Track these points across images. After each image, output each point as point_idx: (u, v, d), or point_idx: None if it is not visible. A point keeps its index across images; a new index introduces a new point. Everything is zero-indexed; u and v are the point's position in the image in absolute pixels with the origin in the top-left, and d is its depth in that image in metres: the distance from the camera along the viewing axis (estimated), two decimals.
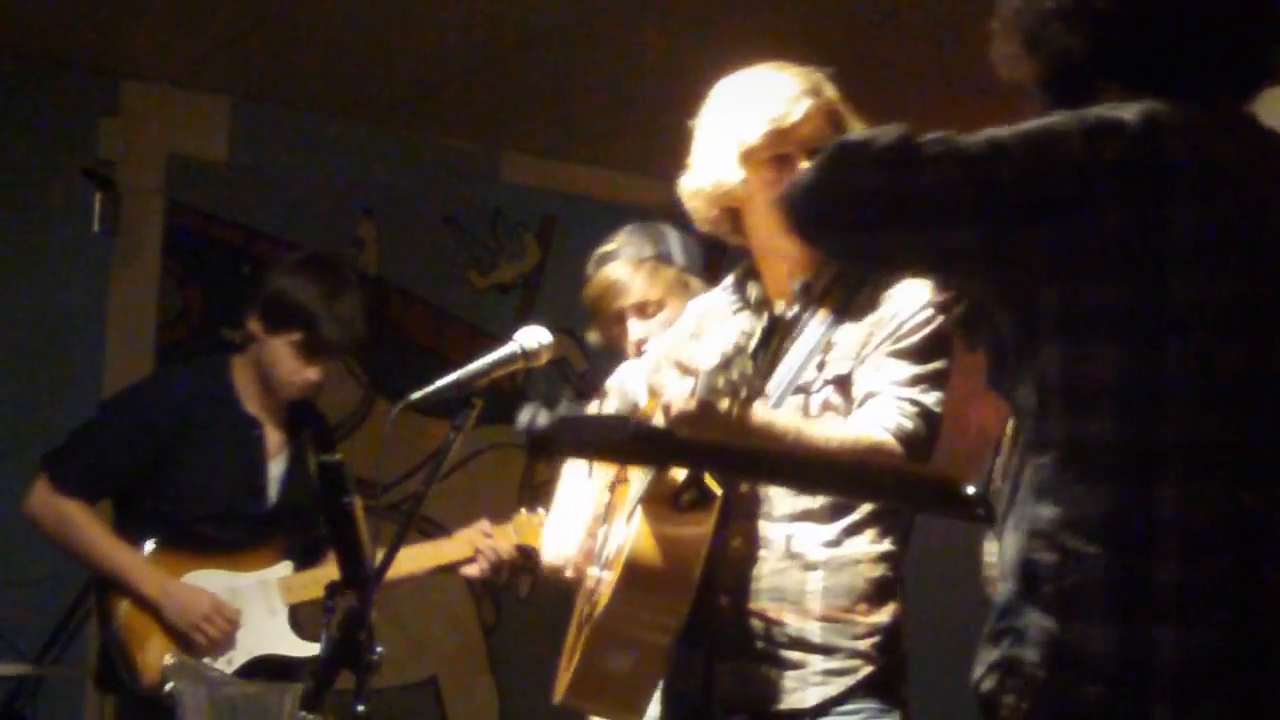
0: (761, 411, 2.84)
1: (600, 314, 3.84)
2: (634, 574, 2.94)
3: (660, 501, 2.95)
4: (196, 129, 6.17)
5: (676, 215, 3.24)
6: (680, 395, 2.71)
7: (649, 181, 6.82)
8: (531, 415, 2.48)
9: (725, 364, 2.66)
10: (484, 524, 4.31)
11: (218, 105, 6.21)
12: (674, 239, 3.85)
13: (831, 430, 2.91)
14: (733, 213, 3.09)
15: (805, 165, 2.90)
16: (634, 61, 5.69)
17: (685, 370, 2.74)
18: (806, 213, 2.06)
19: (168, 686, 3.00)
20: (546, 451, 2.60)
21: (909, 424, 2.91)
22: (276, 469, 4.37)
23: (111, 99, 6.00)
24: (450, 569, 4.34)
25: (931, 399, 2.95)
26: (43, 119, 5.86)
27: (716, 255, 3.57)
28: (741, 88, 3.08)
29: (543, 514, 4.29)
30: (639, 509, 2.99)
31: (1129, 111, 1.95)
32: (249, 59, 5.85)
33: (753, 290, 3.15)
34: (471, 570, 4.32)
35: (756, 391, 2.73)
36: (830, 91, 3.09)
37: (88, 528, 4.26)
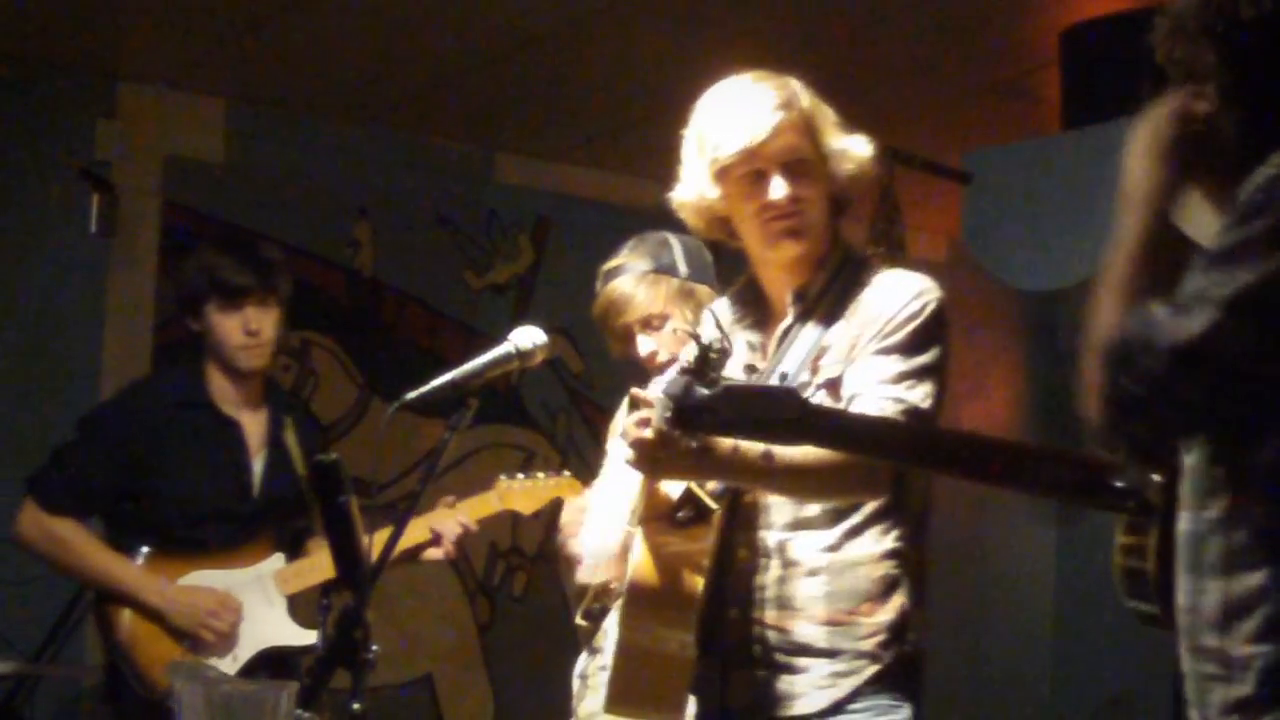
0: (726, 441, 2.82)
1: (609, 330, 3.83)
2: (638, 595, 2.99)
3: (658, 520, 2.97)
4: (193, 131, 6.19)
5: (669, 216, 3.25)
6: (638, 428, 2.76)
7: (643, 183, 6.84)
8: (685, 385, 2.46)
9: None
10: (448, 498, 4.31)
11: (214, 107, 6.22)
12: (678, 249, 3.84)
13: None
14: (725, 221, 3.12)
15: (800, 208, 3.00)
16: (628, 63, 5.71)
17: (641, 403, 2.78)
18: (1143, 445, 2.06)
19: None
20: (699, 425, 2.57)
21: None
22: (259, 465, 4.40)
23: (108, 101, 6.02)
24: (412, 554, 4.32)
25: (918, 394, 2.94)
26: (40, 121, 5.86)
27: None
28: (716, 104, 3.09)
29: (521, 478, 4.31)
30: (638, 529, 3.01)
31: None
32: (245, 61, 5.87)
33: (757, 297, 3.18)
34: (435, 554, 4.32)
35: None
36: (804, 101, 3.08)
37: (81, 545, 4.28)
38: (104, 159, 5.95)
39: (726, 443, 2.79)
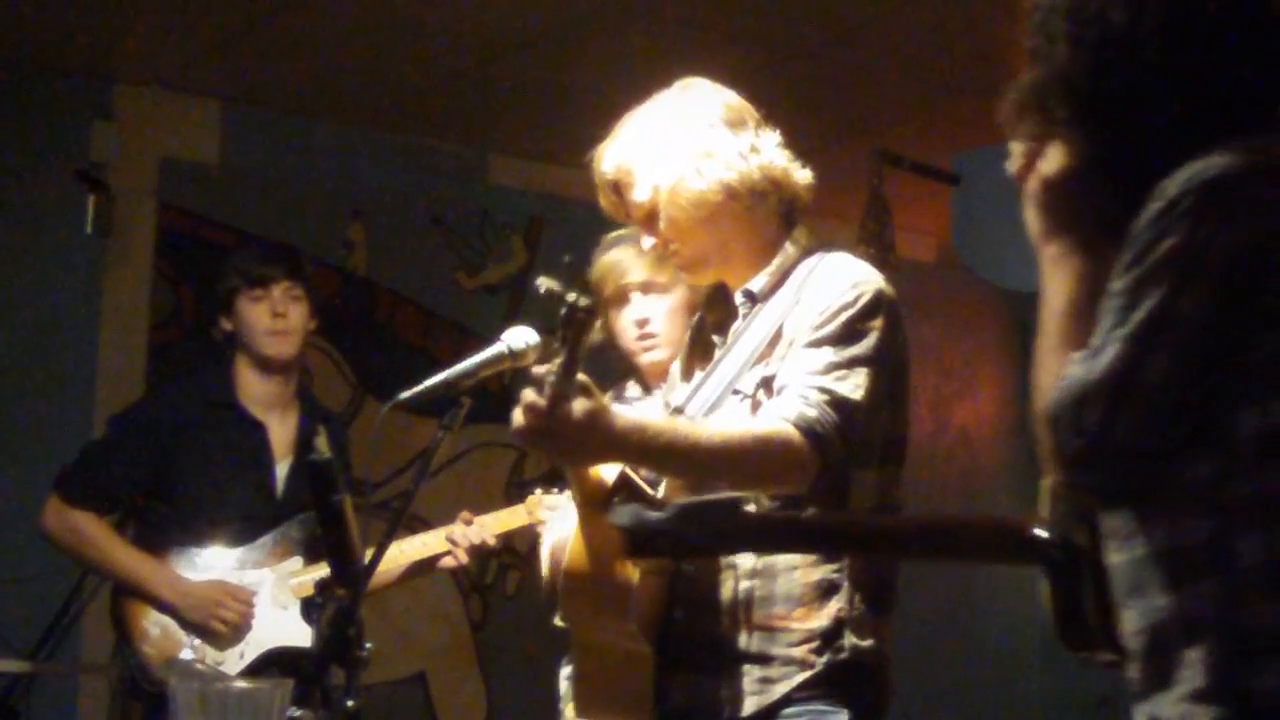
0: (631, 417, 2.80)
1: (602, 294, 3.79)
2: (572, 584, 2.98)
3: (592, 506, 2.93)
4: (188, 132, 6.21)
5: None
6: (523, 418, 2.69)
7: None
8: (634, 512, 2.47)
9: (547, 375, 2.66)
10: (464, 514, 4.35)
11: (209, 108, 6.25)
12: None
13: (716, 426, 2.87)
14: None
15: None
16: (620, 65, 5.73)
17: (534, 382, 2.71)
18: (1109, 488, 2.09)
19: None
20: (655, 551, 2.57)
21: (812, 412, 2.82)
22: (284, 468, 4.45)
23: (104, 102, 6.04)
24: (428, 564, 4.37)
25: (847, 385, 2.86)
26: (36, 122, 5.89)
27: None
28: None
29: (557, 493, 4.33)
30: (575, 518, 2.98)
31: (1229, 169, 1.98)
32: (240, 63, 5.89)
33: (725, 296, 3.19)
34: (449, 563, 4.35)
35: (564, 394, 2.64)
36: (640, 146, 3.07)
37: (98, 537, 4.36)
38: (100, 160, 5.97)
39: (624, 420, 2.74)
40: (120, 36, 5.69)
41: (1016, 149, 2.23)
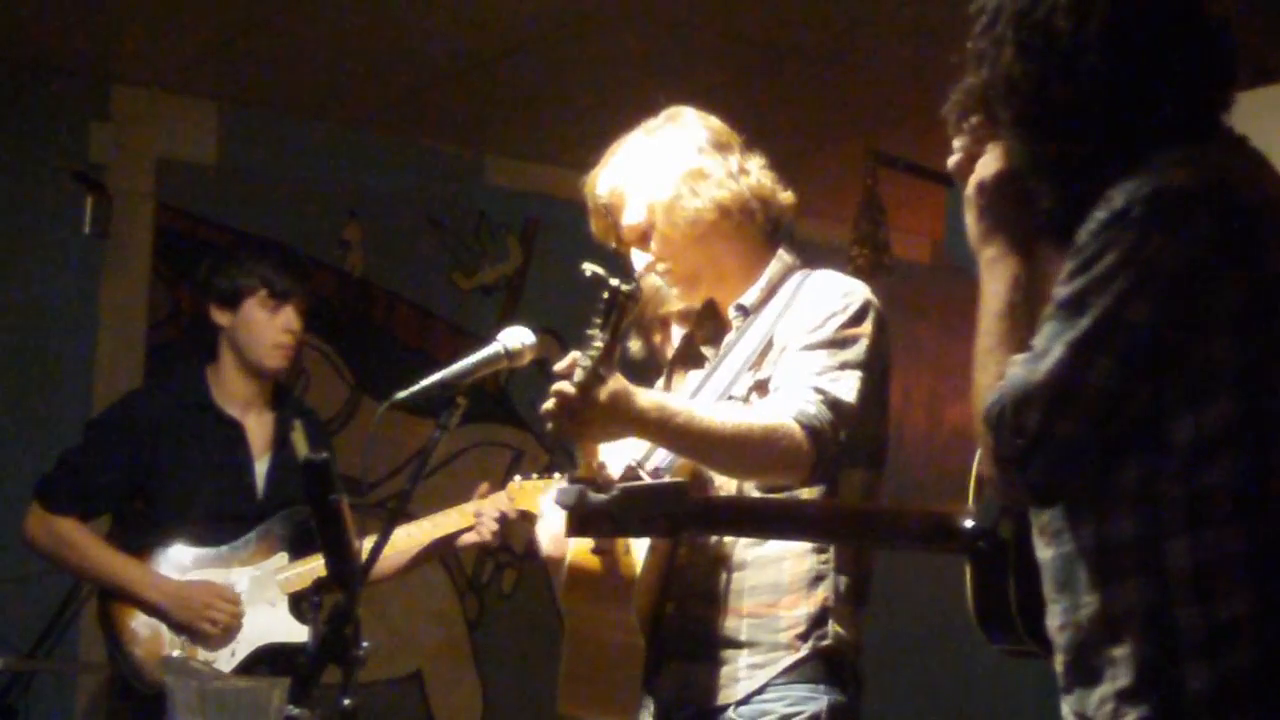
0: (652, 395, 2.91)
1: (644, 320, 3.83)
2: (576, 577, 3.04)
3: None
4: (186, 133, 6.22)
5: None
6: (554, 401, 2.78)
7: None
8: (579, 493, 2.50)
9: (581, 360, 2.75)
10: (482, 488, 4.35)
11: (206, 110, 6.26)
12: None
13: (727, 413, 2.96)
14: None
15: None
16: (616, 67, 5.75)
17: (565, 374, 2.80)
18: (1045, 489, 2.12)
19: None
20: (596, 532, 2.62)
21: (811, 409, 2.94)
22: (264, 465, 4.47)
23: (102, 104, 6.05)
24: (451, 540, 4.36)
25: (840, 387, 2.99)
26: (34, 123, 5.89)
27: None
28: None
29: (536, 479, 4.34)
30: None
31: (1188, 182, 2.02)
32: (237, 64, 5.90)
33: (715, 312, 3.30)
34: (473, 537, 4.34)
35: (600, 376, 2.74)
36: (626, 170, 3.20)
37: (82, 543, 4.37)
38: (98, 161, 5.98)
39: (644, 398, 2.84)
40: (118, 37, 5.70)
41: (958, 147, 2.29)
